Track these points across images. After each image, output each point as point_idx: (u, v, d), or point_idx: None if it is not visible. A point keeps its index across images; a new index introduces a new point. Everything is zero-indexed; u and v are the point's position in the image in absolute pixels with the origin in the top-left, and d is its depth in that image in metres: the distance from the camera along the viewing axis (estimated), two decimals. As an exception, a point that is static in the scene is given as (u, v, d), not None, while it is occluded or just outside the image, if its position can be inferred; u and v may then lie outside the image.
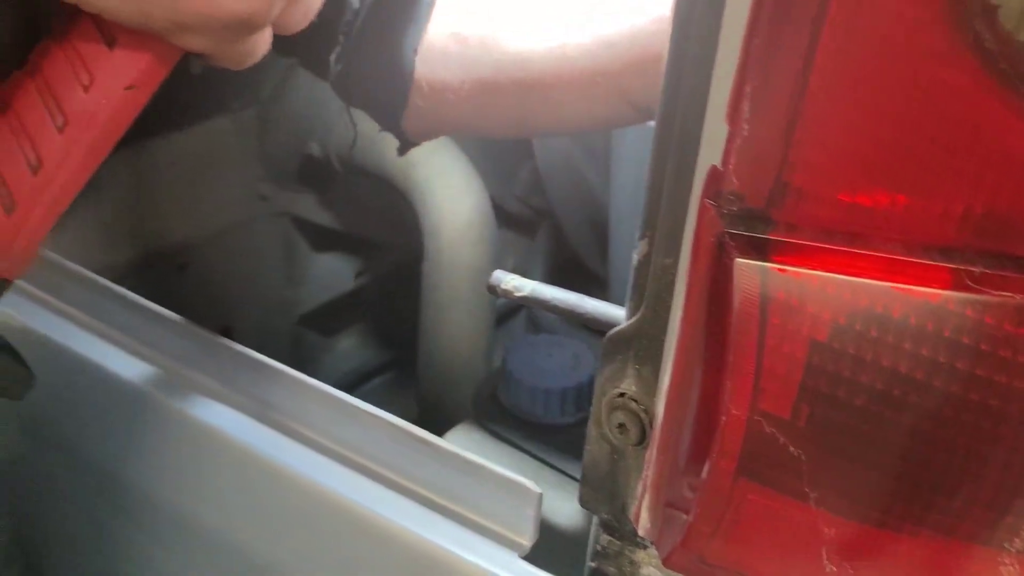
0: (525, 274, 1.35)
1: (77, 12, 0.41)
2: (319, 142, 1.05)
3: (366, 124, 1.03)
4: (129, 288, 0.62)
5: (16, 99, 0.43)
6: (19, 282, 0.66)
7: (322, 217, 1.15)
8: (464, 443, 0.69)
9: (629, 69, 0.50)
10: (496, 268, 0.99)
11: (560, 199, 1.13)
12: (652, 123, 0.77)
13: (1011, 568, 0.33)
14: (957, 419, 0.31)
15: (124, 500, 0.60)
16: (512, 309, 1.31)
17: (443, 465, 0.47)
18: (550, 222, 1.28)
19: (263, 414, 0.53)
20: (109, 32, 0.42)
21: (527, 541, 0.45)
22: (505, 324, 1.28)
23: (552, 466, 0.64)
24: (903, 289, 0.31)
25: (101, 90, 0.43)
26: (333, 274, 1.21)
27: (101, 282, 0.62)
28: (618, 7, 0.51)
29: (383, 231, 1.17)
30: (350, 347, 1.32)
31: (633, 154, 0.89)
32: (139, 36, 0.42)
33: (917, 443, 0.32)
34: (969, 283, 0.30)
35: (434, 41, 0.54)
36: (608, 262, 0.97)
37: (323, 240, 1.19)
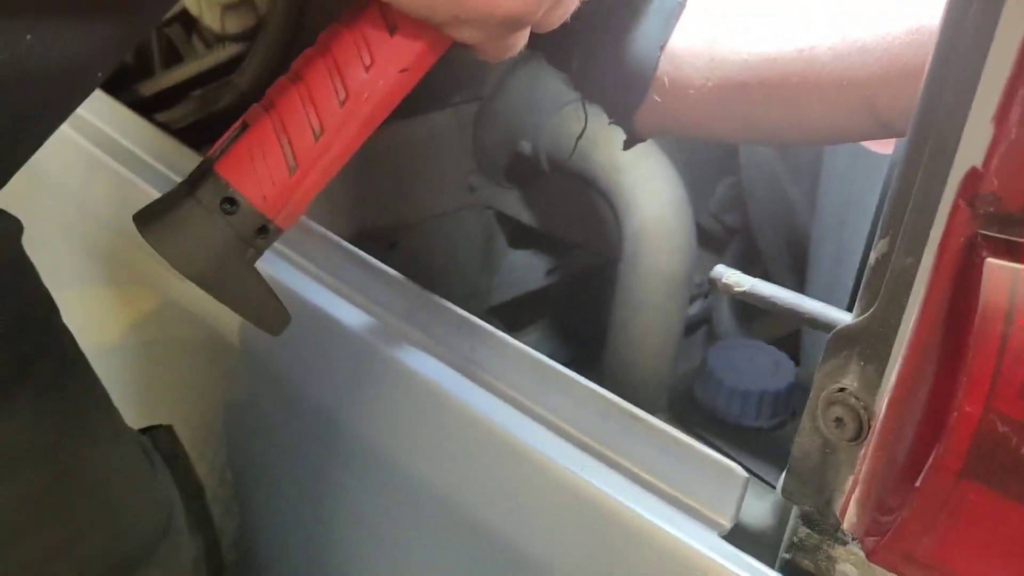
0: (710, 293, 1.35)
1: (368, 1, 0.46)
2: (530, 141, 1.09)
3: (576, 127, 1.07)
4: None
5: (307, 73, 0.48)
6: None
7: (522, 214, 1.19)
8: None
9: (879, 78, 0.50)
10: (688, 279, 1.01)
11: (759, 215, 1.13)
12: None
13: None
14: None
15: (337, 443, 0.65)
16: (693, 324, 1.32)
17: (650, 440, 0.49)
18: (740, 241, 1.29)
19: (476, 374, 0.57)
20: (392, 20, 0.47)
21: (728, 522, 0.47)
22: (686, 337, 1.29)
23: (743, 466, 0.65)
24: None
25: (379, 71, 0.48)
26: (525, 270, 1.26)
27: (332, 238, 0.68)
28: (869, 11, 0.51)
29: (578, 233, 1.20)
30: (533, 342, 1.36)
31: (843, 172, 0.88)
32: (417, 25, 0.47)
33: None
34: None
35: (683, 40, 0.56)
36: (805, 280, 0.97)
37: (520, 236, 1.24)
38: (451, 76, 1.06)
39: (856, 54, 0.51)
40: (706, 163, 1.23)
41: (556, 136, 1.08)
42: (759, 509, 0.54)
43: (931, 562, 0.39)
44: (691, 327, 1.32)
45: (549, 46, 0.61)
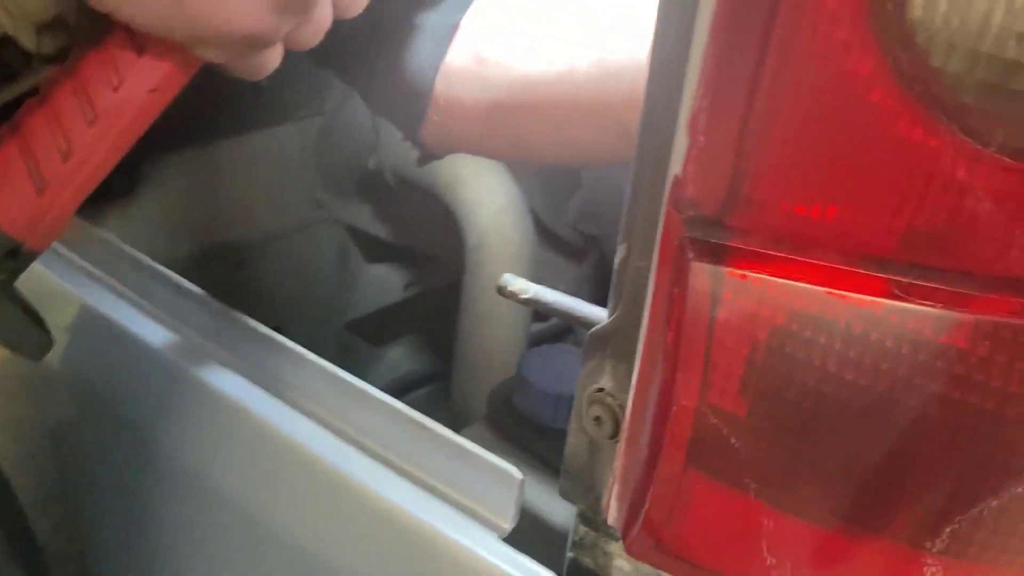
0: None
1: (112, 21, 0.46)
2: (376, 156, 1.10)
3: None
4: (189, 280, 0.66)
5: (54, 95, 0.48)
6: (79, 259, 0.72)
7: (375, 228, 1.20)
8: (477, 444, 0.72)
9: (629, 102, 0.52)
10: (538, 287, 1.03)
11: (608, 222, 1.16)
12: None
13: (934, 568, 0.35)
14: (880, 419, 0.33)
15: (154, 464, 0.65)
16: (561, 331, 1.34)
17: (434, 447, 0.50)
18: (600, 249, 1.31)
19: (278, 390, 0.57)
20: (139, 41, 0.47)
21: (508, 524, 0.48)
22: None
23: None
24: (837, 295, 0.33)
25: (128, 91, 0.48)
26: (383, 284, 1.26)
27: (143, 260, 0.67)
28: (627, 35, 0.54)
29: (433, 245, 1.21)
30: (398, 356, 1.36)
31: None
32: (164, 45, 0.47)
33: (844, 441, 0.34)
34: (897, 292, 0.32)
35: (455, 60, 0.58)
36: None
37: (375, 250, 1.24)
38: (293, 91, 1.06)
39: (609, 78, 0.53)
40: (561, 174, 1.26)
41: (401, 151, 1.09)
42: (557, 510, 0.56)
43: (676, 551, 0.41)
44: (560, 335, 1.34)
45: (335, 62, 0.62)
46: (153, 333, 0.65)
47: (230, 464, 0.58)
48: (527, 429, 0.70)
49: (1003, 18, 0.27)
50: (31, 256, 0.49)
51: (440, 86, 0.58)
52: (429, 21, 0.58)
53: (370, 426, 0.53)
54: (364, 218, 1.18)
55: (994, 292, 0.31)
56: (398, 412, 0.52)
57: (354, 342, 1.28)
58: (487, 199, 1.01)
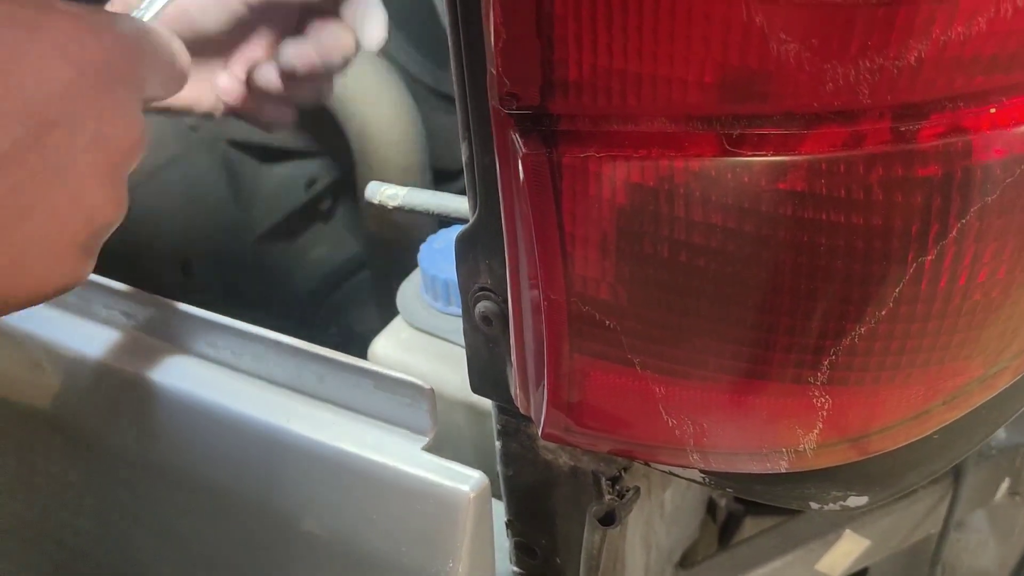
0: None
1: None
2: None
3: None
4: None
5: None
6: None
7: (256, 135, 1.15)
8: (393, 343, 0.71)
9: None
10: (424, 165, 1.00)
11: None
12: None
13: (822, 400, 0.35)
14: (739, 274, 0.33)
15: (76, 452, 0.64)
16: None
17: (345, 379, 0.50)
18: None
19: (178, 349, 0.56)
20: None
21: (427, 434, 0.48)
22: None
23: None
24: (672, 162, 0.32)
25: None
26: (284, 189, 1.22)
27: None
28: None
29: (322, 140, 1.17)
30: (321, 255, 1.33)
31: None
32: None
33: (710, 303, 0.34)
34: (728, 147, 0.31)
35: None
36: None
37: (267, 157, 1.20)
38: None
39: None
40: (432, 30, 1.21)
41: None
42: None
43: (586, 430, 0.41)
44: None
45: None
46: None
47: (151, 434, 0.58)
48: (440, 319, 0.69)
49: None
50: None
51: None
52: None
53: (280, 370, 0.52)
54: (242, 128, 1.13)
55: (820, 127, 0.30)
56: (304, 352, 0.51)
57: (269, 253, 1.25)
58: (357, 83, 0.97)
